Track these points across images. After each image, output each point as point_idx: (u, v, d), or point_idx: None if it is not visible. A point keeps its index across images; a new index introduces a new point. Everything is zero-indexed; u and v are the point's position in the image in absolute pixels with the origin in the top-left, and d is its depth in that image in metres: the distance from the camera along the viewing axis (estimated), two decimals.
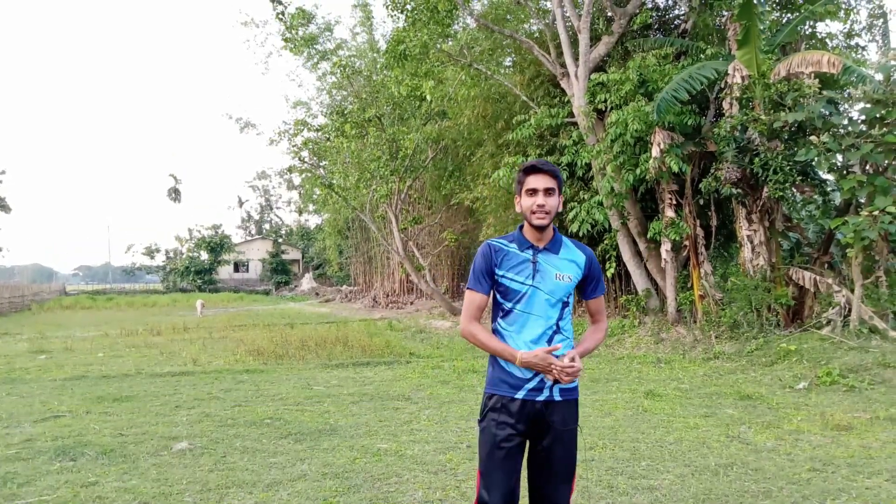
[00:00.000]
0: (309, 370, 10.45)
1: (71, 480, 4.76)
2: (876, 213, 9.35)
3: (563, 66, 13.93)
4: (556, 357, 2.60)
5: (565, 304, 2.73)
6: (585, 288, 2.81)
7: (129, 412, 7.23)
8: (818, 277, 10.51)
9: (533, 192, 2.67)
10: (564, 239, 2.82)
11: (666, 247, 12.01)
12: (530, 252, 2.72)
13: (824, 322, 10.05)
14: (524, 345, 2.66)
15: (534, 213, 2.66)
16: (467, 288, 2.81)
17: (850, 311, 9.85)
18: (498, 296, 2.76)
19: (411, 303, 30.90)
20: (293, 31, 20.54)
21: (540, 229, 2.69)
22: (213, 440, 5.94)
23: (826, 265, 11.39)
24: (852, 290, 9.97)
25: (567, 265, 2.74)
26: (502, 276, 2.71)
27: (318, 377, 9.72)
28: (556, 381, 2.63)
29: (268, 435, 6.12)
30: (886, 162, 9.75)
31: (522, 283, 2.69)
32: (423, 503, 4.27)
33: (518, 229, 2.80)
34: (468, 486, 4.59)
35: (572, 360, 2.58)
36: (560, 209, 2.76)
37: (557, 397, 2.68)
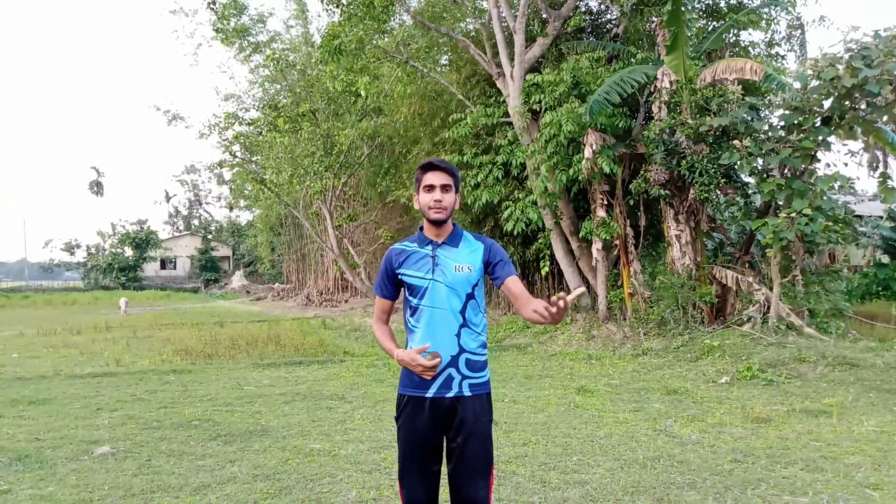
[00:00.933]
0: (239, 370, 10.19)
1: None
2: (793, 215, 9.83)
3: (499, 65, 14.05)
4: (426, 357, 2.64)
5: (470, 297, 2.77)
6: (494, 270, 2.81)
7: (47, 415, 6.87)
8: (740, 276, 10.97)
9: (430, 188, 2.75)
10: (465, 233, 2.88)
11: (597, 246, 12.29)
12: (430, 248, 2.80)
13: (745, 319, 10.50)
14: (435, 340, 2.71)
15: (431, 207, 2.74)
16: (374, 293, 2.93)
17: (769, 308, 10.32)
18: (406, 293, 2.84)
19: (346, 301, 30.61)
20: (224, 22, 19.97)
21: (437, 224, 2.77)
22: (137, 444, 5.71)
23: (747, 264, 11.89)
24: (771, 289, 10.45)
25: (466, 256, 2.79)
26: (404, 275, 2.80)
27: (249, 377, 9.49)
28: (463, 376, 2.72)
29: (196, 437, 5.93)
30: (803, 166, 10.26)
31: (423, 278, 2.75)
32: (357, 503, 4.22)
33: (419, 229, 2.88)
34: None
35: (431, 355, 2.61)
36: (457, 207, 2.84)
37: (467, 392, 2.74)
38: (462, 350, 2.73)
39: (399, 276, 2.81)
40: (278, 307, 31.25)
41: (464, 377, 2.73)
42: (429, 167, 2.80)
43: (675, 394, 7.66)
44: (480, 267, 2.80)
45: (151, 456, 5.31)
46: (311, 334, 14.58)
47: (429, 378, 2.64)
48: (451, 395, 2.72)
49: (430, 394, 2.72)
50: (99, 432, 6.13)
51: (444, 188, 2.75)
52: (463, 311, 2.75)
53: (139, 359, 11.45)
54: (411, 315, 2.81)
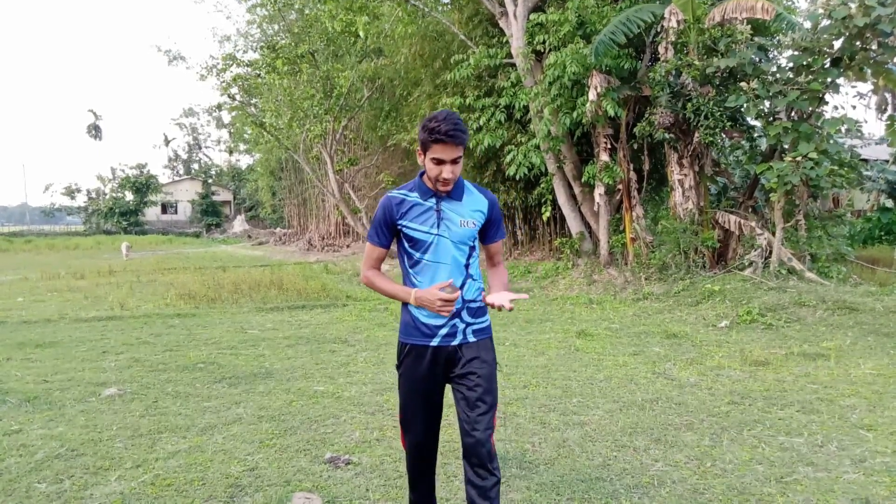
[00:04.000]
0: (243, 314, 10.27)
1: None
2: (799, 158, 9.72)
3: (502, 4, 13.67)
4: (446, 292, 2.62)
5: (472, 249, 2.75)
6: (488, 232, 2.81)
7: (54, 358, 6.96)
8: (742, 221, 10.93)
9: (440, 161, 2.57)
10: (466, 183, 2.77)
11: (600, 190, 12.21)
12: (433, 200, 2.69)
13: (746, 264, 10.51)
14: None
15: (439, 182, 2.62)
16: (367, 239, 2.80)
17: (770, 253, 10.32)
18: (406, 245, 2.72)
19: (347, 246, 30.68)
20: None
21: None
22: (143, 385, 5.80)
23: (750, 209, 11.84)
24: (773, 234, 10.42)
25: (471, 211, 2.72)
26: (406, 227, 2.68)
27: (252, 321, 9.58)
28: (467, 324, 2.72)
29: (201, 379, 6.02)
30: (811, 109, 10.09)
31: (428, 233, 2.67)
32: (361, 443, 4.30)
33: (419, 176, 2.73)
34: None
35: (451, 288, 2.59)
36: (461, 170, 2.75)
37: (471, 338, 2.73)
38: (465, 301, 2.71)
39: (400, 227, 2.70)
40: (280, 252, 31.35)
41: (467, 324, 2.72)
42: (438, 140, 2.54)
43: (675, 337, 7.73)
44: (482, 222, 2.76)
45: (158, 397, 5.40)
46: (314, 279, 14.65)
47: (446, 315, 2.60)
48: (455, 342, 2.71)
49: (434, 343, 2.70)
50: (106, 374, 6.22)
51: (454, 161, 2.58)
52: (467, 264, 2.73)
53: (143, 303, 11.54)
54: (412, 267, 2.74)
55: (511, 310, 2.56)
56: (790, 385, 5.59)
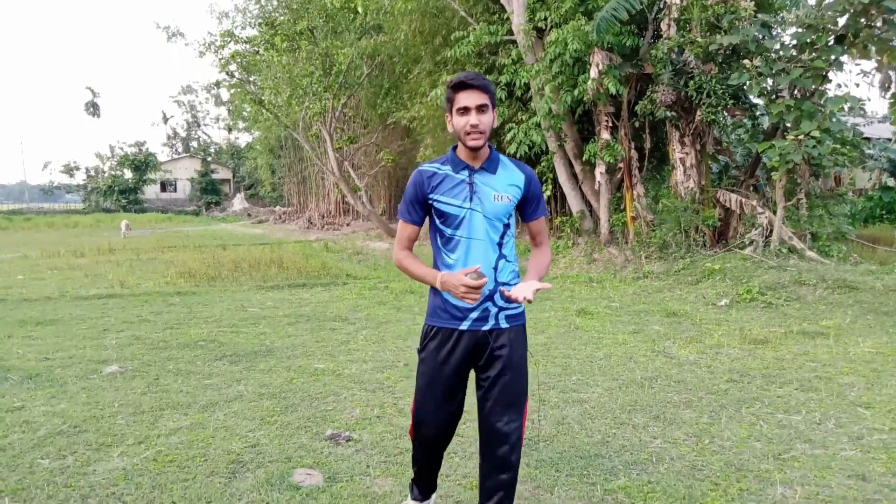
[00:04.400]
0: (243, 292, 10.29)
1: None
2: (801, 137, 9.67)
3: None
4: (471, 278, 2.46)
5: (506, 226, 2.59)
6: (525, 209, 2.66)
7: (55, 336, 6.98)
8: (743, 200, 10.90)
9: (465, 110, 2.47)
10: (502, 157, 2.65)
11: (601, 169, 12.16)
12: (466, 173, 2.56)
13: (747, 242, 10.51)
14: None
15: (468, 133, 2.47)
16: (398, 217, 2.68)
17: (771, 232, 10.31)
18: (437, 221, 2.61)
19: (347, 224, 30.66)
20: None
21: (474, 149, 2.53)
22: (144, 363, 5.82)
23: (751, 188, 11.81)
24: (774, 212, 10.40)
25: (505, 185, 2.58)
26: (437, 201, 2.55)
27: (252, 299, 9.59)
28: (500, 308, 2.56)
29: (202, 357, 6.04)
30: (814, 87, 10.02)
31: (459, 207, 2.53)
32: (361, 420, 4.33)
33: (451, 150, 2.63)
34: (405, 402, 4.67)
35: (476, 274, 2.42)
36: (495, 125, 2.59)
37: (504, 324, 2.57)
38: (498, 283, 2.56)
39: (431, 202, 2.57)
40: (280, 230, 31.34)
41: (500, 309, 2.57)
42: (460, 86, 2.47)
43: (675, 316, 7.74)
44: (518, 197, 2.61)
45: (159, 375, 5.42)
46: (314, 257, 14.65)
47: (471, 303, 2.43)
48: (486, 327, 2.56)
49: (464, 326, 2.55)
50: (107, 352, 6.24)
51: (480, 109, 2.46)
52: (500, 242, 2.58)
53: (143, 281, 11.55)
54: (444, 245, 2.60)
55: (530, 301, 2.41)
56: (789, 363, 5.61)
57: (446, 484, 3.33)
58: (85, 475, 3.45)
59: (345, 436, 4.00)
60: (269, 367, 5.65)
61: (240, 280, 11.52)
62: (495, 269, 2.56)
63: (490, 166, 2.58)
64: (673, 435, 4.02)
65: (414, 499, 2.89)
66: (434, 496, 2.95)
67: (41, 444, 3.88)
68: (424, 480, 2.86)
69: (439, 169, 2.60)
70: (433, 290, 2.63)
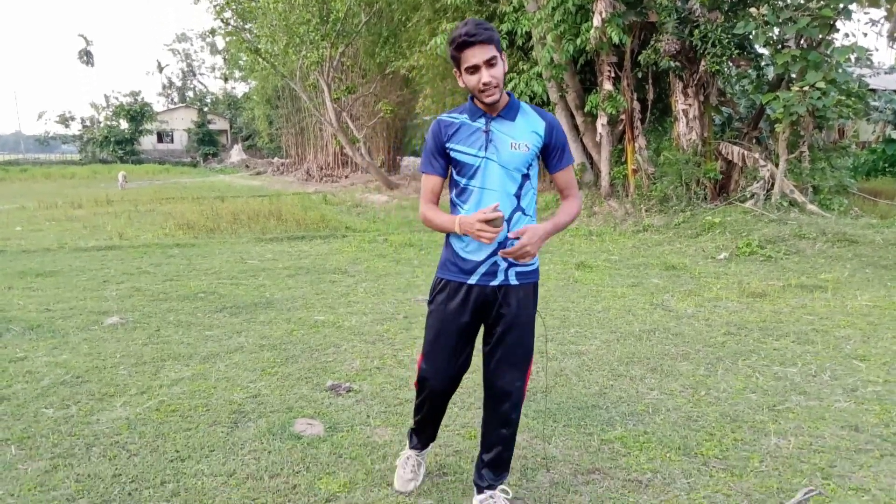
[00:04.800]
0: (242, 244, 10.28)
1: None
2: (806, 88, 9.52)
3: None
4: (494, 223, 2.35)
5: (525, 177, 2.47)
6: (549, 159, 2.52)
7: (55, 287, 6.99)
8: (746, 152, 10.80)
9: (474, 69, 2.34)
10: (522, 104, 2.52)
11: (602, 121, 12.01)
12: (483, 121, 2.45)
13: (748, 196, 10.46)
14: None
15: (482, 91, 2.35)
16: (420, 170, 2.60)
17: (773, 185, 10.25)
18: (453, 172, 2.54)
19: (346, 176, 30.48)
20: None
21: (490, 105, 2.42)
22: (145, 314, 5.84)
23: (754, 140, 11.69)
24: (776, 165, 10.32)
25: (524, 133, 2.45)
26: (453, 150, 2.46)
27: (251, 251, 9.59)
28: (510, 264, 2.48)
29: (202, 309, 6.06)
30: (821, 36, 9.81)
31: (475, 156, 2.44)
32: (361, 371, 4.37)
33: (469, 99, 2.52)
34: (405, 354, 4.71)
35: (492, 209, 2.31)
36: (506, 69, 2.46)
37: (514, 281, 2.50)
38: (511, 238, 2.44)
39: (448, 151, 2.48)
40: (278, 182, 31.16)
41: (511, 265, 2.48)
42: (464, 44, 2.33)
43: (674, 269, 7.76)
44: (538, 146, 2.47)
45: (160, 326, 5.45)
46: (313, 209, 14.60)
47: (487, 241, 2.29)
48: (495, 283, 2.48)
49: (472, 280, 2.49)
50: (107, 303, 6.26)
51: (490, 63, 2.33)
52: (518, 195, 2.46)
53: (142, 233, 11.53)
54: (458, 196, 2.51)
55: (532, 255, 2.35)
56: (786, 316, 5.64)
57: (445, 433, 3.37)
58: (89, 424, 3.50)
59: (345, 387, 4.04)
60: (269, 319, 5.68)
61: (238, 232, 11.50)
62: (509, 221, 2.45)
63: (508, 114, 2.46)
64: (669, 387, 4.06)
65: (412, 447, 2.93)
66: (432, 446, 3.00)
67: (45, 394, 3.92)
68: (425, 431, 2.89)
69: (456, 118, 2.51)
70: (446, 243, 2.59)
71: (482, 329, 2.65)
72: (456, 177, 2.52)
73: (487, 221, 2.28)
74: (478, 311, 2.54)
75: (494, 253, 2.46)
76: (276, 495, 2.78)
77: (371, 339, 5.11)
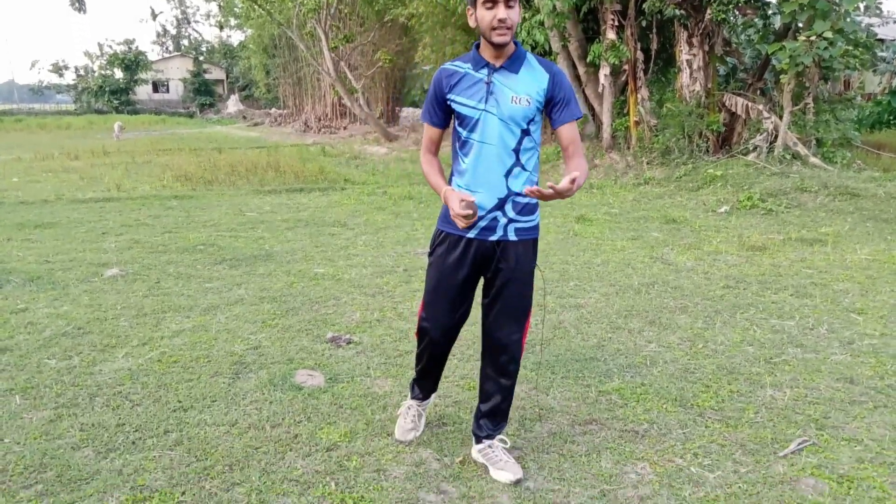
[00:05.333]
0: (240, 196, 10.23)
1: None
2: (813, 38, 9.33)
3: None
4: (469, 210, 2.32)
5: (525, 133, 2.42)
6: (552, 112, 2.43)
7: (54, 239, 6.98)
8: (749, 104, 10.66)
9: (492, 3, 2.27)
10: (528, 55, 2.45)
11: (605, 71, 11.82)
12: (485, 72, 2.39)
13: (751, 148, 10.37)
14: (482, 180, 2.43)
15: (494, 29, 2.28)
16: (421, 120, 2.57)
17: (776, 137, 10.14)
18: (456, 124, 2.50)
19: (344, 127, 30.17)
20: None
21: (499, 46, 2.35)
22: (145, 266, 5.85)
23: (759, 91, 11.52)
24: (781, 117, 10.20)
25: (526, 86, 2.38)
26: (454, 101, 2.42)
27: (250, 203, 9.55)
28: (510, 220, 2.46)
29: (202, 261, 6.06)
30: None
31: (474, 108, 2.39)
32: (361, 323, 4.39)
33: (474, 47, 2.46)
34: (405, 307, 4.73)
35: (467, 204, 2.29)
36: (519, 20, 2.39)
37: (513, 237, 2.48)
38: (510, 193, 2.43)
39: (449, 102, 2.44)
40: (276, 133, 30.85)
41: (511, 220, 2.46)
42: None
43: (674, 223, 7.74)
44: (541, 100, 2.40)
45: (160, 278, 5.46)
46: (311, 161, 14.49)
47: (461, 227, 2.36)
48: (494, 238, 2.47)
49: (472, 234, 2.48)
50: (107, 255, 6.26)
51: (508, 3, 2.27)
52: (517, 149, 2.42)
53: (140, 184, 11.46)
54: (460, 147, 2.48)
55: (561, 193, 2.11)
56: (785, 270, 5.65)
57: (444, 384, 3.41)
58: (91, 375, 3.53)
59: (345, 338, 4.07)
60: (268, 272, 5.69)
61: (237, 184, 11.44)
62: (508, 175, 2.42)
63: (512, 65, 2.40)
64: (667, 339, 4.09)
65: (414, 398, 2.96)
66: (434, 396, 3.03)
67: (47, 345, 3.95)
68: (426, 381, 2.91)
69: (459, 67, 2.45)
70: None
71: (482, 281, 2.65)
72: (458, 128, 2.48)
73: (465, 213, 2.28)
74: (477, 265, 2.53)
75: (495, 208, 2.45)
76: (277, 444, 2.82)
77: (371, 291, 5.13)
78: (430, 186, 2.53)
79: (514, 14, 2.30)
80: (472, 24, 2.39)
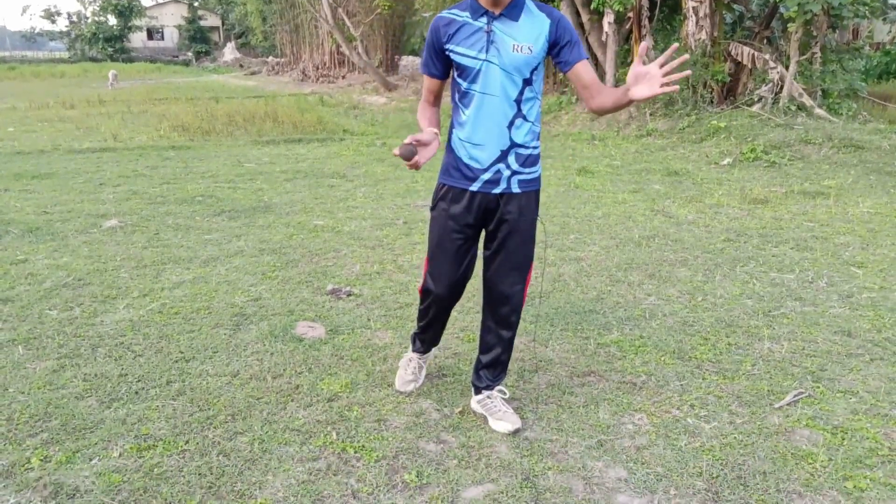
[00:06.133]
0: (238, 147, 10.13)
1: None
2: None
3: None
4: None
5: (527, 82, 2.36)
6: (560, 55, 2.36)
7: (51, 189, 6.94)
8: (756, 53, 10.45)
9: None
10: (528, 2, 2.38)
11: (609, 18, 11.56)
12: (485, 20, 2.32)
13: (755, 99, 10.21)
14: (484, 131, 2.39)
15: None
16: (420, 70, 2.51)
17: (781, 87, 9.98)
18: (455, 75, 2.44)
19: (343, 77, 29.68)
20: None
21: None
22: (143, 218, 5.82)
23: (765, 40, 11.29)
24: (787, 67, 10.01)
25: (527, 34, 2.32)
26: (453, 52, 2.37)
27: (248, 154, 9.46)
28: (513, 172, 2.44)
29: (200, 212, 6.04)
30: None
31: (475, 58, 2.33)
32: (361, 276, 4.40)
33: None
34: (405, 259, 4.73)
35: (405, 146, 2.28)
36: None
37: (516, 189, 2.45)
38: (513, 144, 2.39)
39: (448, 52, 2.38)
40: (273, 82, 30.38)
41: (514, 172, 2.43)
42: None
43: (676, 175, 7.68)
44: (544, 47, 2.34)
45: (159, 229, 5.45)
46: (309, 111, 14.30)
47: (409, 168, 2.32)
48: (497, 190, 2.44)
49: (474, 188, 2.44)
50: (105, 206, 6.23)
51: None
52: (519, 100, 2.36)
53: (136, 134, 11.33)
54: (460, 99, 2.43)
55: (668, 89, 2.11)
56: (787, 223, 5.63)
57: (444, 336, 3.42)
58: (93, 325, 3.55)
59: (345, 290, 4.08)
60: (268, 223, 5.67)
61: (234, 134, 11.31)
62: (510, 126, 2.38)
63: (512, 12, 2.33)
64: (667, 292, 4.10)
65: (415, 350, 2.98)
66: (434, 350, 3.05)
67: (48, 296, 3.96)
68: (428, 335, 2.91)
69: (458, 16, 2.37)
70: (447, 148, 2.53)
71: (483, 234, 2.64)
72: (458, 79, 2.43)
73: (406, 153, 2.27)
74: (480, 218, 2.51)
75: (498, 160, 2.41)
76: (279, 395, 2.85)
77: (371, 244, 5.12)
78: None
79: None
80: None
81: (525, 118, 2.41)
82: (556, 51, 2.36)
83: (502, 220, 2.49)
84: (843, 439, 2.54)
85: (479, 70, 2.34)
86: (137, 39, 55.54)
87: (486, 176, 2.43)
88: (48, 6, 53.90)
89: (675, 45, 2.20)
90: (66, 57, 52.28)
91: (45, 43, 61.11)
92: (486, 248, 2.61)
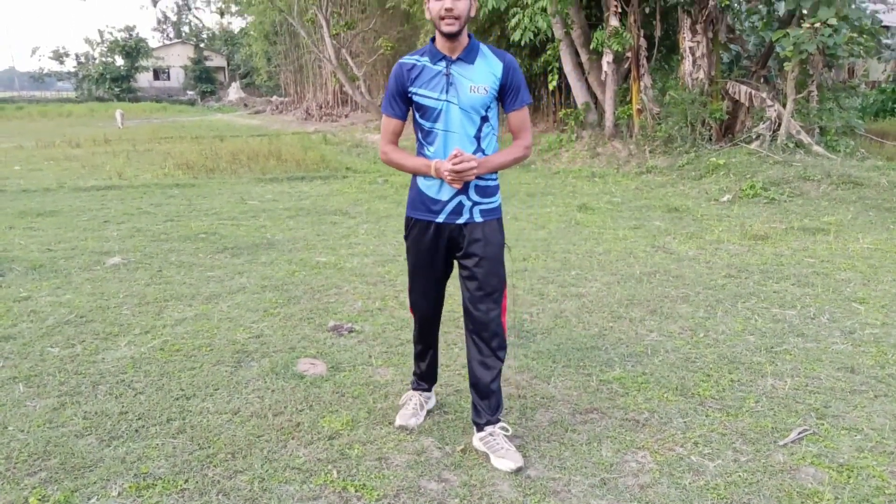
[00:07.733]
0: (242, 184, 10.22)
1: (1, 296, 4.65)
2: (817, 25, 9.26)
3: None
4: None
5: (484, 119, 2.57)
6: (504, 98, 2.60)
7: (56, 227, 6.99)
8: (753, 92, 10.60)
9: None
10: (482, 46, 2.60)
11: (608, 58, 11.74)
12: (443, 64, 2.53)
13: (754, 137, 10.32)
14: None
15: (442, 18, 2.42)
16: (382, 112, 2.69)
17: (779, 125, 10.09)
18: (417, 116, 2.62)
19: (346, 115, 30.08)
20: None
21: (451, 37, 2.47)
22: (147, 255, 5.85)
23: (762, 79, 11.46)
24: (784, 105, 10.14)
25: (482, 75, 2.53)
26: (416, 94, 2.55)
27: (252, 191, 9.54)
28: (474, 203, 2.61)
29: (203, 249, 6.07)
30: None
31: (437, 99, 2.53)
32: (363, 312, 4.40)
33: (430, 41, 2.59)
34: (406, 296, 4.71)
35: (456, 156, 2.46)
36: (473, 13, 2.52)
37: (478, 218, 2.62)
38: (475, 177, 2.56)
39: (410, 95, 2.58)
40: (277, 121, 30.76)
41: (475, 203, 2.61)
42: None
43: (676, 211, 7.72)
44: (496, 89, 2.56)
45: (162, 266, 5.47)
46: (313, 149, 14.45)
47: (457, 186, 2.50)
48: (461, 220, 2.61)
49: (440, 219, 2.62)
50: (109, 244, 6.27)
51: None
52: (478, 136, 2.57)
53: (141, 172, 11.45)
54: (424, 138, 2.63)
55: (459, 172, 2.44)
56: (787, 259, 5.64)
57: (446, 373, 3.42)
58: (94, 363, 3.54)
59: (347, 327, 4.08)
60: (270, 260, 5.69)
61: (238, 172, 11.42)
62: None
63: (468, 56, 2.54)
64: (668, 328, 4.10)
65: (415, 389, 2.98)
66: (435, 388, 3.04)
67: (50, 333, 3.96)
68: (425, 363, 2.97)
69: (418, 61, 2.58)
70: (412, 182, 2.71)
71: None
72: (420, 119, 2.62)
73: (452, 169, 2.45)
74: (448, 247, 2.69)
75: (459, 192, 2.59)
76: (280, 432, 2.84)
77: (372, 280, 5.13)
78: (408, 169, 2.67)
79: (462, 5, 2.43)
80: (427, 16, 2.52)
81: (483, 152, 2.60)
82: (503, 94, 2.59)
83: (470, 251, 2.64)
84: (849, 477, 2.51)
85: (440, 110, 2.54)
86: (144, 79, 56.48)
87: (450, 207, 2.61)
88: (57, 47, 54.77)
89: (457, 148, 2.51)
90: (74, 96, 53.11)
91: (52, 83, 62.07)
92: (460, 276, 2.76)
